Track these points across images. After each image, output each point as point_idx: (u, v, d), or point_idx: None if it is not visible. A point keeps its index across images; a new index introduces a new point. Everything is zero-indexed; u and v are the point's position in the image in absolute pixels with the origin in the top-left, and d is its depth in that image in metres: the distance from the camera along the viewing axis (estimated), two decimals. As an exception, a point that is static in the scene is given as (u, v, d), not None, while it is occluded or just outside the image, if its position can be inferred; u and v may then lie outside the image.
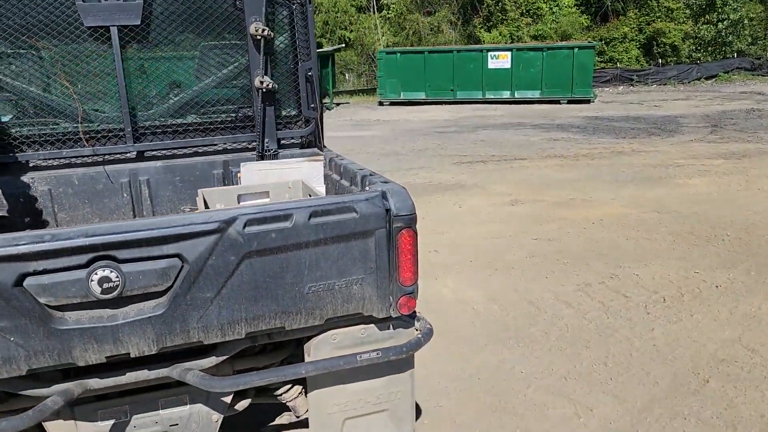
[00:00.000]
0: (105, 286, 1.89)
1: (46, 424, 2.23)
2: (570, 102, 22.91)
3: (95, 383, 2.11)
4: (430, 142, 14.33)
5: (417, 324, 2.45)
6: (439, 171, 10.67)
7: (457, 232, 7.03)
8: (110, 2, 3.02)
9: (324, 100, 22.74)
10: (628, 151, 12.14)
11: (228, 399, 2.40)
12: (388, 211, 2.20)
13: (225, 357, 2.24)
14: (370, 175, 2.47)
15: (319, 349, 2.31)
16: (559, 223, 7.27)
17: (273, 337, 2.28)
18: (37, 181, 3.05)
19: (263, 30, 3.14)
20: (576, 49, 22.99)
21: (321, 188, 3.02)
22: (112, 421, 2.27)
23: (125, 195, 3.17)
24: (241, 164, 3.00)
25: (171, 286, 1.98)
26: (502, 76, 23.45)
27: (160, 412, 2.33)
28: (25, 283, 1.82)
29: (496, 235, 6.87)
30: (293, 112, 3.42)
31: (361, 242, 2.17)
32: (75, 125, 3.11)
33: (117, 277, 1.90)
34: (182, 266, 1.98)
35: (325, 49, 24.31)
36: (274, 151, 3.37)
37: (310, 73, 3.40)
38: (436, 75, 23.91)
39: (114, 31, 3.04)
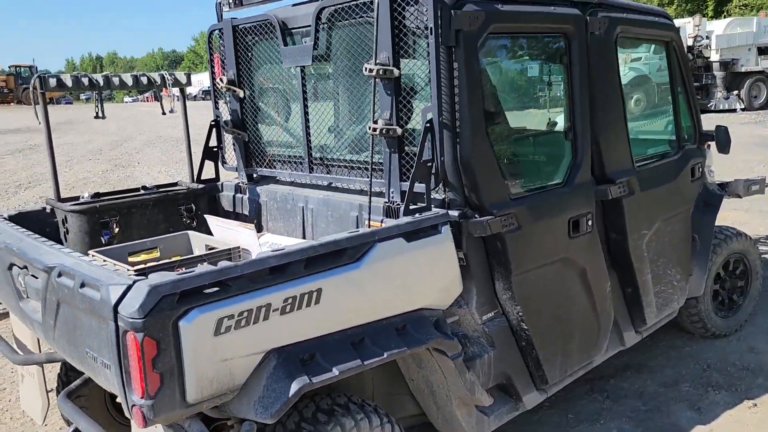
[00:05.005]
0: None
1: None
2: None
3: None
4: None
5: None
6: None
7: None
8: (297, 46, 3.28)
9: None
10: None
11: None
12: (116, 304, 1.94)
13: None
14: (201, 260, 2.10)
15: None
16: None
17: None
18: (263, 192, 3.72)
19: (377, 68, 2.72)
20: None
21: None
22: None
23: (299, 218, 3.46)
24: (207, 216, 2.75)
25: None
26: None
27: None
28: None
29: None
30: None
31: (104, 326, 2.02)
32: (285, 150, 3.59)
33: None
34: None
35: None
36: (397, 204, 2.88)
37: (429, 120, 2.70)
38: None
39: (297, 71, 3.30)
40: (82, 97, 41.24)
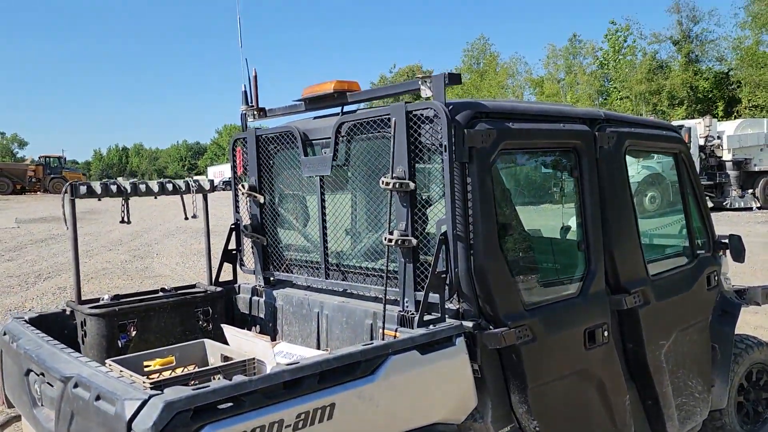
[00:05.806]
0: None
1: None
2: None
3: None
4: None
5: None
6: None
7: None
8: (317, 157, 3.42)
9: None
10: None
11: None
12: (130, 420, 1.94)
13: None
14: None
15: None
16: None
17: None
18: (279, 296, 3.76)
19: (393, 182, 2.82)
20: None
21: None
22: None
23: (314, 324, 3.47)
24: (223, 326, 2.76)
25: None
26: None
27: None
28: None
29: None
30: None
31: (117, 442, 2.01)
32: (302, 255, 3.66)
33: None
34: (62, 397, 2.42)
35: None
36: (411, 314, 2.89)
37: (443, 232, 2.76)
38: None
39: (316, 180, 3.42)
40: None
